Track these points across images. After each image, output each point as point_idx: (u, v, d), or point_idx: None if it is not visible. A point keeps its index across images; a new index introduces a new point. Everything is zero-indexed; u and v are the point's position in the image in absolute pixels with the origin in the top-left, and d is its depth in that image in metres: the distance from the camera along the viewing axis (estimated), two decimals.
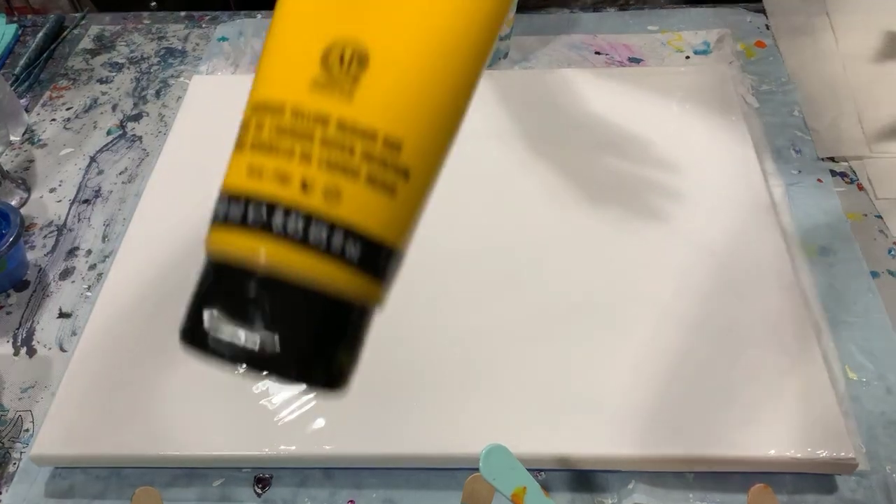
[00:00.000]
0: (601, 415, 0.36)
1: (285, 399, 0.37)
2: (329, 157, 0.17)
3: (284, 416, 0.37)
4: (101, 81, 0.61)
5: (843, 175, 0.49)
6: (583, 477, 0.36)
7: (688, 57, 0.58)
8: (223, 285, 0.17)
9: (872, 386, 0.38)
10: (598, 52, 0.59)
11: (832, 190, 0.48)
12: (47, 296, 0.46)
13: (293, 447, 0.36)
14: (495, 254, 0.43)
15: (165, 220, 0.46)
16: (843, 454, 0.34)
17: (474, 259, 0.43)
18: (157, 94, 0.59)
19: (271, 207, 0.17)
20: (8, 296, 0.46)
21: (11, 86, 0.59)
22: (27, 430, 0.39)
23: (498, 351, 0.39)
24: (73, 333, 0.43)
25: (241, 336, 0.16)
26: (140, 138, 0.55)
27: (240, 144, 0.18)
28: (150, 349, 0.40)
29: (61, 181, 0.53)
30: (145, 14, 0.67)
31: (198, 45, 0.63)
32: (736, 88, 0.53)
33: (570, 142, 0.49)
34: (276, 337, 0.16)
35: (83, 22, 0.67)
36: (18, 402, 0.41)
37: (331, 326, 0.17)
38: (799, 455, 0.34)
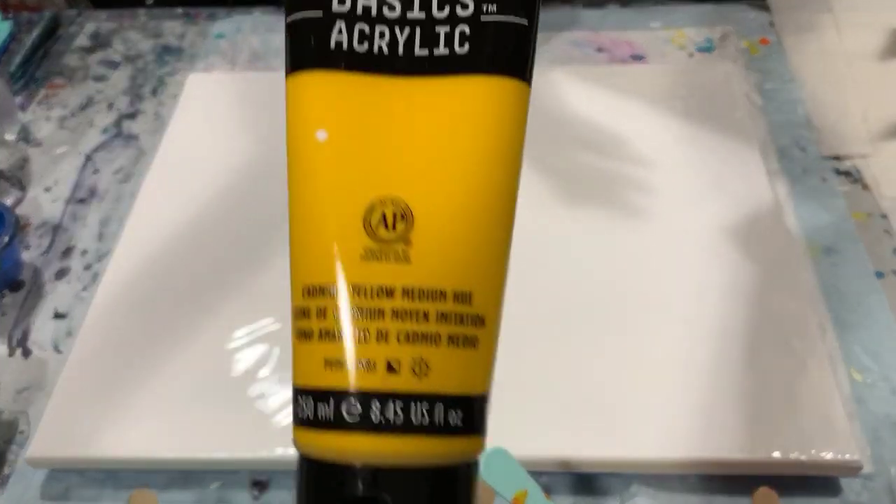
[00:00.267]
0: (603, 417, 0.36)
1: (282, 402, 0.37)
2: (406, 329, 0.16)
3: (281, 420, 0.36)
4: (96, 79, 0.60)
5: (847, 174, 0.48)
6: (584, 480, 0.36)
7: (691, 54, 0.57)
8: (327, 487, 0.17)
9: (877, 387, 0.38)
10: (599, 50, 0.58)
11: (836, 189, 0.47)
12: (42, 296, 0.45)
13: (290, 450, 0.35)
14: None
15: (162, 220, 0.46)
16: (847, 456, 0.34)
17: None
18: (154, 91, 0.59)
19: (366, 400, 0.16)
20: (2, 296, 0.45)
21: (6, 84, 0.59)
22: (22, 432, 0.39)
23: (497, 353, 0.38)
24: (69, 334, 0.43)
25: None
26: (136, 137, 0.55)
27: (303, 335, 0.17)
28: (147, 350, 0.39)
29: (56, 180, 0.52)
30: (141, 11, 0.67)
31: (194, 42, 0.63)
32: (740, 86, 0.53)
33: (572, 141, 0.49)
34: None
35: (79, 19, 0.66)
36: (13, 404, 0.40)
37: (446, 494, 0.17)
38: (803, 457, 0.34)
